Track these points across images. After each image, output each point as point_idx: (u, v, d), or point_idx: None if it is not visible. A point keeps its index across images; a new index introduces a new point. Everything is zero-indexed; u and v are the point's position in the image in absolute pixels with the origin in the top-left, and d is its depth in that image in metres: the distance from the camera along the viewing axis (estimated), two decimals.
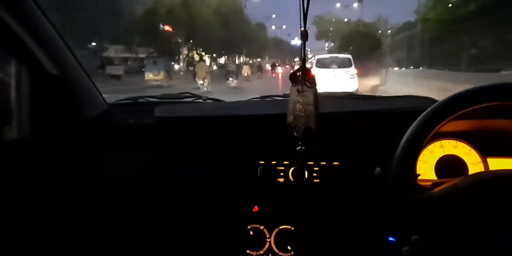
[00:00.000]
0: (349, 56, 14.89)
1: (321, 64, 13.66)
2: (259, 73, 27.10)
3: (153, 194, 1.10)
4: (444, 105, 0.82)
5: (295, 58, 61.12)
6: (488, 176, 0.81)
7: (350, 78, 12.91)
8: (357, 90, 12.38)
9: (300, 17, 0.92)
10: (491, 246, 0.70)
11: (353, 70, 13.27)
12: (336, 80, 12.37)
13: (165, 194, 1.10)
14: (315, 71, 12.95)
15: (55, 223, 1.11)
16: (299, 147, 0.98)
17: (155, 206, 1.10)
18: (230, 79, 16.01)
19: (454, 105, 0.81)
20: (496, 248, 0.70)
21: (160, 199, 1.10)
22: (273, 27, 68.73)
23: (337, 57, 15.14)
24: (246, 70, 21.26)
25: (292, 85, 0.94)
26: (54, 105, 1.14)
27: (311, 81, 0.94)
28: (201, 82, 14.44)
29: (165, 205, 1.10)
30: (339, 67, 13.37)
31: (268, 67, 42.68)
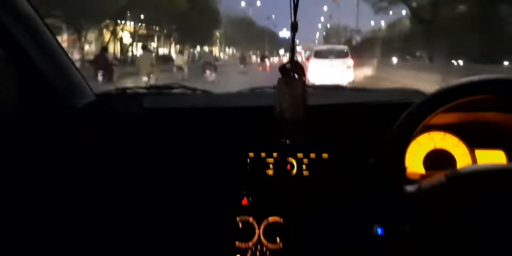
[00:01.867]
0: (346, 47, 15.81)
1: (319, 54, 14.34)
2: (241, 66, 24.38)
3: (140, 186, 1.14)
4: (433, 98, 0.88)
5: (278, 49, 58.07)
6: (475, 169, 0.86)
7: (347, 68, 13.49)
8: (353, 81, 13.17)
9: (291, 8, 0.96)
10: (477, 239, 0.76)
11: (349, 60, 13.92)
12: (333, 70, 12.95)
13: (152, 186, 1.14)
14: (313, 62, 13.82)
15: (42, 223, 1.14)
16: (284, 139, 1.03)
17: (142, 198, 1.14)
18: (208, 71, 14.47)
19: (442, 98, 0.86)
20: (482, 241, 0.76)
21: (147, 191, 1.13)
22: (243, 2, 58.29)
23: (334, 48, 15.95)
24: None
25: (281, 76, 0.98)
26: (39, 96, 1.17)
27: (300, 73, 0.99)
28: (146, 78, 11.27)
29: (153, 197, 1.13)
30: (336, 57, 13.92)
31: (254, 58, 39.14)
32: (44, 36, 1.18)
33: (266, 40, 56.32)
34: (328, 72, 12.53)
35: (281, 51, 60.16)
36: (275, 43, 62.55)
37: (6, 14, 1.07)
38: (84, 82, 1.28)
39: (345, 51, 14.54)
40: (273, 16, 68.42)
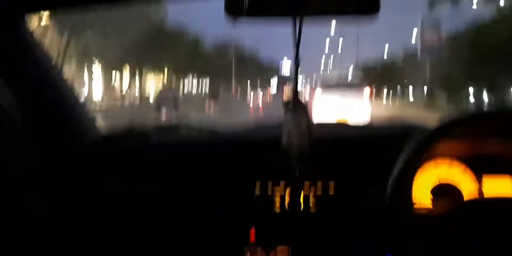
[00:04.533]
0: (360, 76, 14.78)
1: (326, 86, 13.14)
2: (211, 103, 16.75)
3: (148, 219, 1.24)
4: (435, 129, 0.98)
5: (270, 77, 49.56)
6: (483, 202, 0.96)
7: (362, 101, 12.61)
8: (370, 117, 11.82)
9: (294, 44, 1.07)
10: None
11: (365, 92, 12.83)
12: (345, 106, 11.94)
13: (161, 218, 1.24)
14: (319, 96, 12.58)
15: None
16: (294, 168, 1.14)
17: (148, 232, 1.23)
18: (164, 109, 11.43)
19: (444, 127, 0.97)
20: None
21: (156, 224, 1.24)
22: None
23: (345, 77, 14.85)
24: None
25: (285, 109, 1.10)
26: (47, 132, 1.29)
27: (304, 107, 1.11)
28: None
29: (160, 230, 1.23)
30: (348, 89, 12.82)
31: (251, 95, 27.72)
32: (53, 75, 1.33)
33: (233, 63, 37.20)
34: (338, 108, 11.52)
35: (273, 82, 47.14)
36: (258, 69, 45.13)
37: (15, 51, 1.22)
38: (91, 118, 1.43)
39: (359, 80, 13.73)
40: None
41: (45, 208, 1.24)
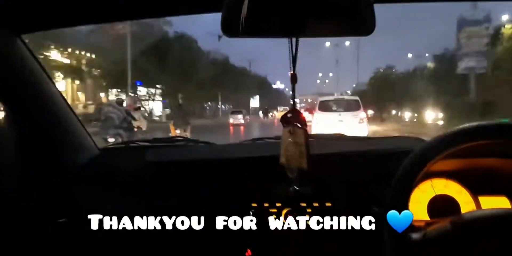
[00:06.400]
0: (357, 97, 15.35)
1: (325, 107, 14.05)
2: (178, 131, 11.85)
3: (143, 241, 1.26)
4: (433, 145, 1.01)
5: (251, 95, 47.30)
6: (480, 215, 0.98)
7: (359, 122, 13.27)
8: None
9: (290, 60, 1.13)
10: None
11: (361, 113, 13.70)
12: (342, 125, 12.66)
13: (156, 240, 1.26)
14: (318, 116, 13.48)
15: None
16: (292, 188, 1.17)
17: (147, 250, 1.25)
18: (111, 139, 8.40)
19: (442, 144, 0.99)
20: None
21: (151, 245, 1.26)
22: None
23: (342, 99, 15.72)
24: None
25: (284, 127, 1.15)
26: (43, 150, 1.33)
27: (302, 123, 1.16)
28: None
29: (158, 250, 1.26)
30: (345, 110, 13.75)
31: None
32: (48, 91, 1.37)
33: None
34: (336, 128, 11.87)
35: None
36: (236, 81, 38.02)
37: (7, 66, 1.26)
38: (88, 137, 1.46)
39: (356, 102, 14.28)
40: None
41: (42, 226, 1.26)
